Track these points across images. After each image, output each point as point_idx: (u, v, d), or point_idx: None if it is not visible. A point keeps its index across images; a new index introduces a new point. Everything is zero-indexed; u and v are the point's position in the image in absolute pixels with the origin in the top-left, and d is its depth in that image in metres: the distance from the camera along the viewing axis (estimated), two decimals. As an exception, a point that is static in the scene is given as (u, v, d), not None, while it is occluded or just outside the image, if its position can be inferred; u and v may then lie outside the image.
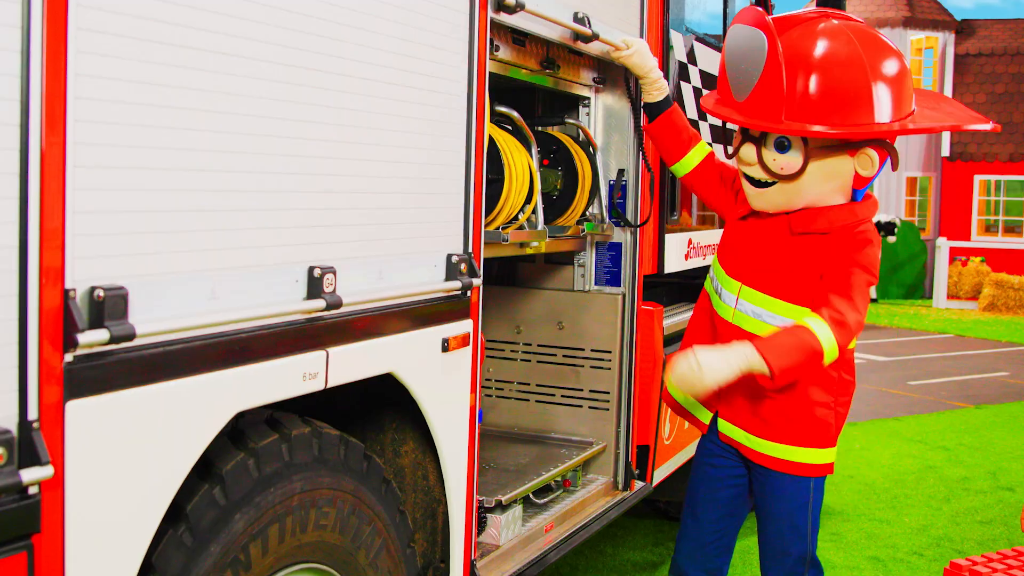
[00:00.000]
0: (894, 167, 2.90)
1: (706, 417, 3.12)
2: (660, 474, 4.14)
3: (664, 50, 3.96)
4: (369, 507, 2.38)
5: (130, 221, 1.71)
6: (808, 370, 2.78)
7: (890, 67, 2.85)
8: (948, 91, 20.56)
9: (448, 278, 2.60)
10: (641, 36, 3.79)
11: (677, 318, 4.33)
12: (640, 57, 3.34)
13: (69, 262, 1.60)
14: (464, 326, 2.66)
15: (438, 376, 2.58)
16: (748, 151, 2.90)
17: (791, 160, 2.84)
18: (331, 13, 2.14)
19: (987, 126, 2.99)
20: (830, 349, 2.69)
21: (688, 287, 4.84)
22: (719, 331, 3.02)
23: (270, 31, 1.98)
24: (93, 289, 1.63)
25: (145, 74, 1.71)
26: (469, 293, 2.69)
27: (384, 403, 2.71)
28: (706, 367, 2.63)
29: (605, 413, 3.84)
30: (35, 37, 1.52)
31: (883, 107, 2.79)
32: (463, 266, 2.63)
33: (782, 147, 2.84)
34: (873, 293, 18.79)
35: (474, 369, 2.74)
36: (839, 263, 2.80)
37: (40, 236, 1.54)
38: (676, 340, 4.24)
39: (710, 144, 3.55)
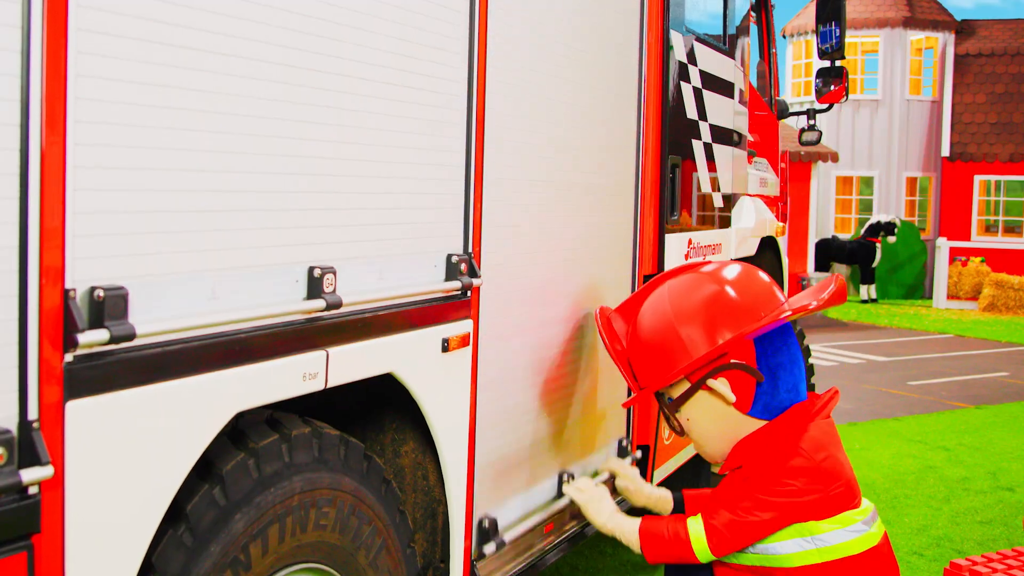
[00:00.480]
0: (758, 377, 2.84)
1: None
2: (660, 474, 4.14)
3: (664, 50, 3.96)
4: (369, 507, 2.38)
5: (130, 221, 1.71)
6: (682, 559, 2.81)
7: (688, 309, 2.91)
8: (948, 91, 20.58)
9: (448, 278, 2.60)
10: (641, 36, 3.80)
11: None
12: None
13: (69, 262, 1.60)
14: (464, 326, 2.66)
15: (438, 376, 2.58)
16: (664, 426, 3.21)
17: (675, 419, 3.00)
18: (330, 13, 2.14)
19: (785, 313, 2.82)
20: (699, 547, 2.76)
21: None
22: None
23: (270, 31, 1.98)
24: (93, 289, 1.63)
25: (145, 74, 1.71)
26: (469, 293, 2.69)
27: (384, 403, 2.71)
28: (593, 513, 3.05)
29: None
30: (35, 37, 1.52)
31: (676, 353, 2.87)
32: (463, 266, 2.63)
33: (674, 410, 2.98)
34: (873, 293, 18.81)
35: (474, 369, 2.74)
36: (734, 481, 2.82)
37: (40, 236, 1.55)
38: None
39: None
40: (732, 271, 3.03)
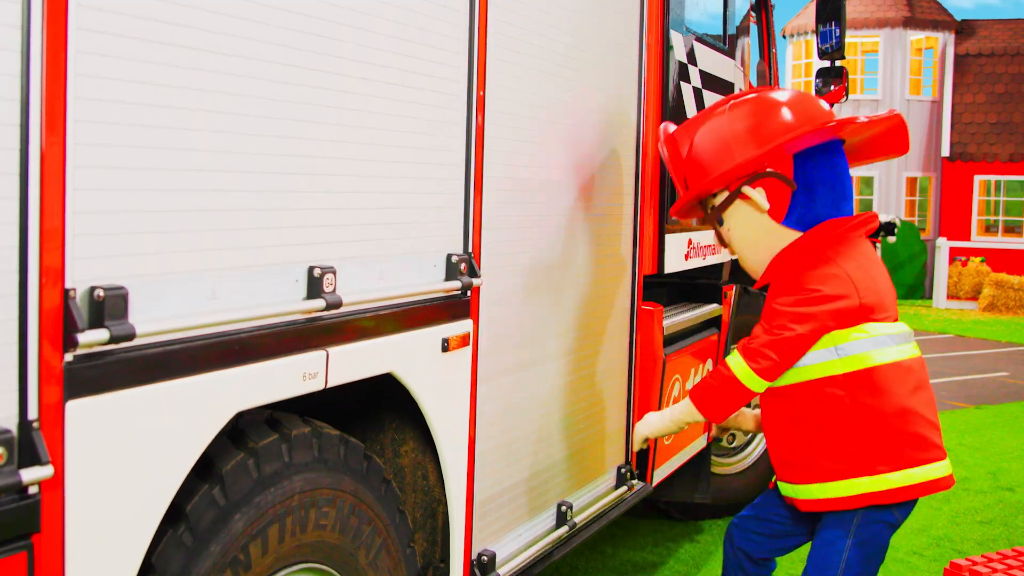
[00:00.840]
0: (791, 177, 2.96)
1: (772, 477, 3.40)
2: (660, 474, 4.14)
3: (664, 50, 3.96)
4: (369, 507, 2.38)
5: (130, 221, 1.71)
6: (737, 398, 2.87)
7: (748, 109, 3.06)
8: (948, 91, 20.57)
9: (448, 278, 2.60)
10: (641, 36, 3.80)
11: (677, 318, 4.33)
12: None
13: (69, 262, 1.60)
14: (464, 326, 2.67)
15: (438, 376, 2.58)
16: (715, 238, 3.33)
17: (723, 230, 3.16)
18: (331, 13, 2.14)
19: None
20: (743, 374, 2.83)
21: (688, 287, 4.84)
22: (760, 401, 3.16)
23: (270, 31, 1.98)
24: (93, 289, 1.63)
25: (145, 74, 1.71)
26: (469, 293, 2.69)
27: (384, 403, 2.71)
28: (641, 422, 3.17)
29: (605, 413, 3.83)
30: (35, 37, 1.52)
31: (721, 158, 3.02)
32: (463, 266, 2.63)
33: (720, 224, 3.15)
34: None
35: (474, 369, 2.74)
36: (768, 301, 2.94)
37: (40, 236, 1.55)
38: (676, 340, 4.25)
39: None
40: (791, 93, 3.17)
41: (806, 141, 2.94)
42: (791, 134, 2.91)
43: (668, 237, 4.03)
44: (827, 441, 2.82)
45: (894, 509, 2.82)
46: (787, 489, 3.00)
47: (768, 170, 2.96)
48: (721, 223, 3.14)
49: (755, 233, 3.03)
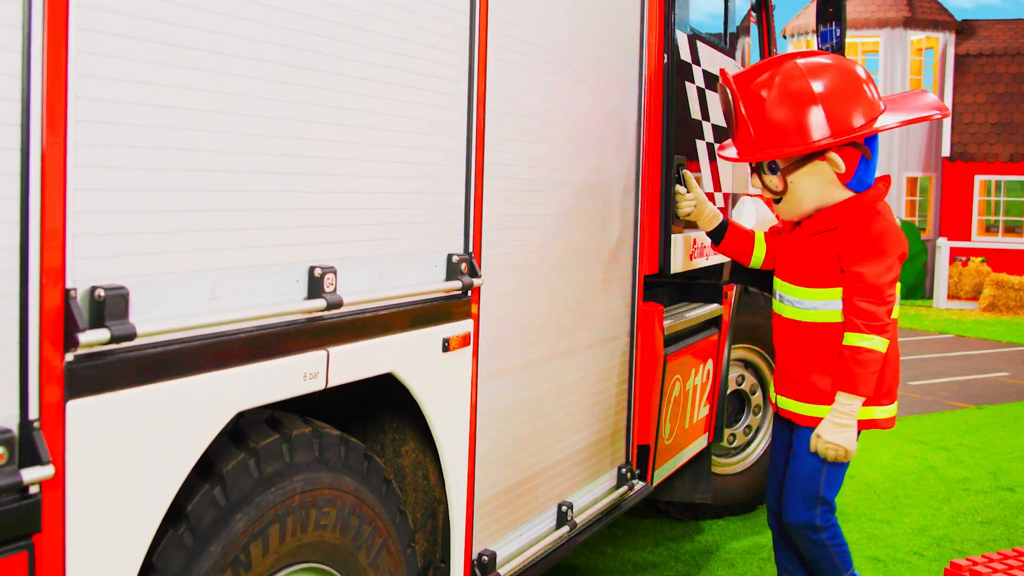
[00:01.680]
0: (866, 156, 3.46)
1: (773, 396, 3.75)
2: (660, 474, 4.14)
3: (665, 50, 3.96)
4: (369, 507, 2.38)
5: (130, 221, 1.71)
6: (880, 366, 3.38)
7: (831, 92, 3.43)
8: (948, 91, 20.57)
9: (449, 278, 2.60)
10: (641, 37, 3.80)
11: (677, 318, 4.33)
12: (698, 211, 3.97)
13: (70, 262, 1.60)
14: (465, 326, 2.67)
15: (439, 376, 2.58)
16: (754, 179, 3.65)
17: (777, 179, 3.54)
18: (331, 13, 2.14)
19: (933, 113, 3.53)
20: (876, 343, 3.34)
21: (689, 287, 4.84)
22: (774, 324, 3.71)
23: (270, 31, 1.98)
24: (94, 289, 1.64)
25: (145, 74, 1.71)
26: (470, 293, 2.69)
27: (385, 403, 2.72)
28: (837, 444, 3.39)
29: (605, 413, 3.83)
30: (36, 37, 1.52)
31: (816, 128, 3.41)
32: (464, 266, 2.63)
33: (773, 170, 3.54)
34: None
35: (475, 369, 2.74)
36: (848, 256, 3.40)
37: (41, 236, 1.55)
38: (676, 340, 4.25)
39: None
40: (850, 64, 3.62)
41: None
42: (901, 122, 3.46)
43: (673, 236, 4.03)
44: (835, 373, 3.42)
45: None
46: (790, 404, 3.58)
47: (856, 142, 3.42)
48: (776, 172, 3.51)
49: (818, 188, 3.47)
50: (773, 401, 3.75)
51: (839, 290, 3.43)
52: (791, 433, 3.62)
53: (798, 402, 3.55)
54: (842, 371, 3.36)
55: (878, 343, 3.33)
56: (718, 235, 3.96)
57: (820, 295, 3.48)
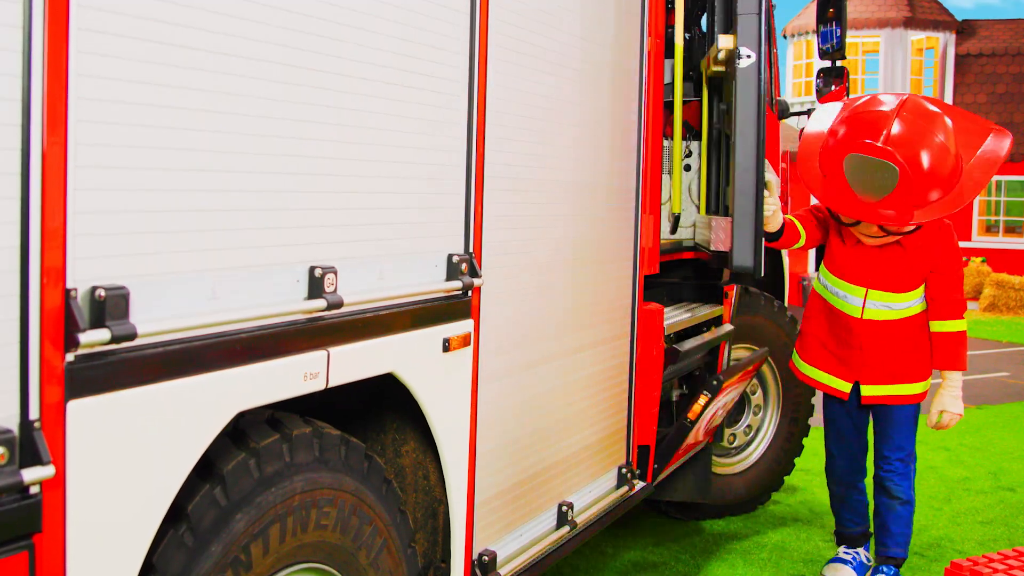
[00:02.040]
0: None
1: (846, 387, 4.28)
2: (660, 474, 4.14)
3: (665, 50, 3.96)
4: (370, 507, 2.38)
5: (131, 221, 1.71)
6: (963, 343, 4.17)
7: (966, 144, 3.94)
8: (949, 91, 20.57)
9: (449, 278, 2.60)
10: (642, 36, 3.80)
11: (678, 318, 4.33)
12: (774, 216, 4.21)
13: (70, 262, 1.60)
14: (465, 326, 2.67)
15: (439, 376, 2.58)
16: (870, 227, 4.01)
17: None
18: (331, 13, 2.14)
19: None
20: (965, 325, 4.16)
21: (689, 287, 4.84)
22: (853, 328, 4.19)
23: (270, 31, 1.98)
24: (94, 289, 1.64)
25: (146, 74, 1.71)
26: (470, 293, 2.69)
27: (385, 403, 2.72)
28: (956, 412, 4.19)
29: (606, 413, 3.83)
30: (36, 37, 1.52)
31: (979, 181, 3.97)
32: (464, 266, 2.63)
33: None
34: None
35: (475, 369, 2.74)
36: (940, 260, 4.07)
37: (41, 236, 1.55)
38: (676, 340, 4.25)
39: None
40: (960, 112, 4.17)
41: None
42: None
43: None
44: (920, 355, 4.17)
45: None
46: (882, 389, 4.20)
47: None
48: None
49: None
50: (844, 391, 4.28)
51: (921, 288, 4.12)
52: (866, 414, 4.36)
53: (890, 385, 4.19)
54: (947, 353, 4.11)
55: (965, 324, 4.14)
56: (777, 234, 4.24)
57: (911, 296, 4.12)
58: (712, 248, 4.45)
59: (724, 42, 4.04)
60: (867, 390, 4.25)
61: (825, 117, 4.16)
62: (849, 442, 4.41)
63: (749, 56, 3.87)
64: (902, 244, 4.05)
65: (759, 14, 3.86)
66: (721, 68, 4.28)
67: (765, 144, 3.97)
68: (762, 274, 4.08)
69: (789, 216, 4.28)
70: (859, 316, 4.16)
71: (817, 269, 4.39)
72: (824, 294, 4.32)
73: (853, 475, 4.46)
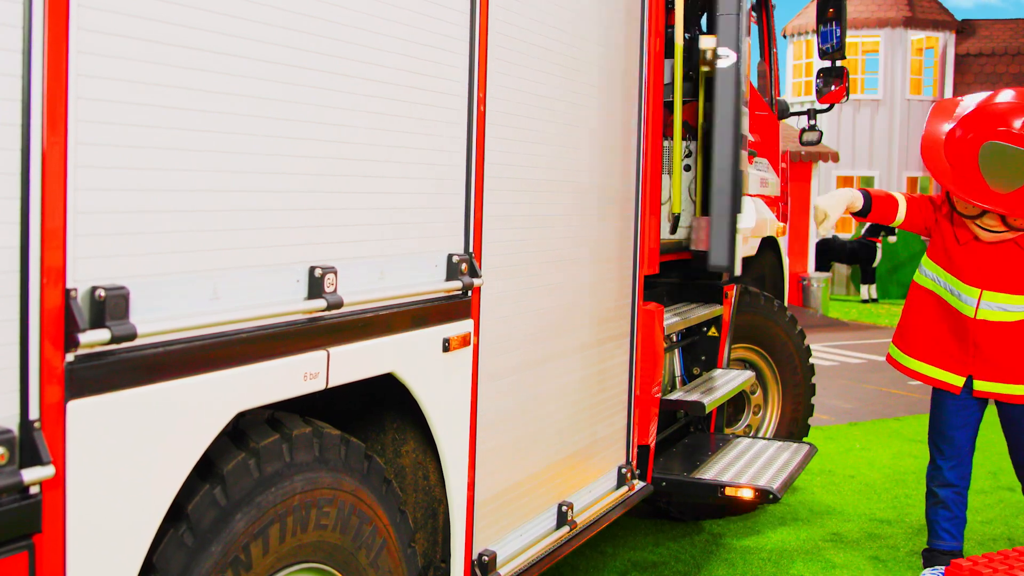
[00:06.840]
0: None
1: (958, 381, 4.22)
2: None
3: (665, 50, 3.96)
4: (370, 507, 2.38)
5: (131, 221, 1.71)
6: None
7: None
8: (948, 91, 20.58)
9: (449, 278, 2.60)
10: (642, 36, 3.80)
11: (678, 318, 4.33)
12: (835, 212, 4.37)
13: (70, 262, 1.60)
14: (465, 326, 2.67)
15: (439, 376, 2.58)
16: (993, 220, 3.98)
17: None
18: (331, 13, 2.14)
19: None
20: None
21: (689, 287, 4.84)
22: (967, 325, 4.15)
23: (271, 31, 1.98)
24: (94, 289, 1.63)
25: (146, 74, 1.71)
26: (470, 293, 2.69)
27: (385, 403, 2.72)
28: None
29: (606, 413, 3.83)
30: (36, 37, 1.52)
31: None
32: (464, 266, 2.63)
33: None
34: (874, 293, 18.82)
35: (475, 369, 2.74)
36: None
37: (41, 236, 1.55)
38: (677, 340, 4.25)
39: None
40: None
41: None
42: None
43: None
44: None
45: None
46: (1005, 388, 4.15)
47: None
48: None
49: None
50: (956, 385, 4.23)
51: None
52: (979, 413, 4.32)
53: (1008, 384, 4.17)
54: None
55: None
56: (865, 210, 4.32)
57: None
58: (692, 248, 4.48)
59: (706, 43, 4.06)
60: (981, 385, 4.21)
61: (942, 115, 4.14)
62: (958, 443, 4.31)
63: (728, 56, 3.87)
64: (1019, 244, 4.02)
65: (737, 14, 3.86)
66: (707, 68, 4.29)
67: (744, 143, 3.98)
68: (737, 272, 4.07)
69: (893, 193, 4.34)
70: (972, 316, 4.13)
71: (922, 263, 4.35)
72: (935, 288, 4.26)
73: (960, 479, 4.33)
